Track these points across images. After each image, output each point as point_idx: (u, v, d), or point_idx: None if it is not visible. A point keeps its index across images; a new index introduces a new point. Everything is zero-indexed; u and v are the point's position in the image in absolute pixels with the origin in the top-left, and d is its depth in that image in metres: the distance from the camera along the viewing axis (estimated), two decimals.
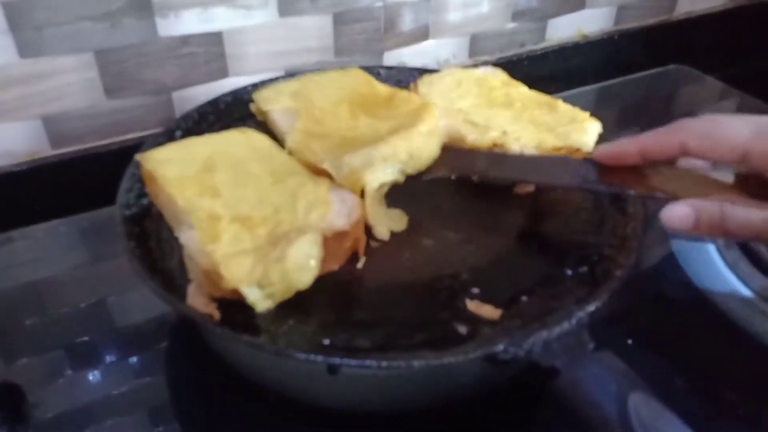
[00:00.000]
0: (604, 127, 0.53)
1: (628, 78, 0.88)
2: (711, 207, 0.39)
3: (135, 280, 0.53)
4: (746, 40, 0.98)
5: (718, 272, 0.54)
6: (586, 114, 0.54)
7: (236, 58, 0.70)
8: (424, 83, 0.58)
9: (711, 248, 0.56)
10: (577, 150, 0.51)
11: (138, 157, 0.48)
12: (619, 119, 0.85)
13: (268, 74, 0.70)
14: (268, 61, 0.72)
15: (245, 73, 0.71)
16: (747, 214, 0.38)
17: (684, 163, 0.44)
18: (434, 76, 0.59)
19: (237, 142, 0.50)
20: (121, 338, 0.51)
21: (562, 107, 0.55)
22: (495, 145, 0.51)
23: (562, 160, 0.49)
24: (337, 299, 0.42)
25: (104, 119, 0.68)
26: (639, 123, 0.82)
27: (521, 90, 0.58)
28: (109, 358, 0.49)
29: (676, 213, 0.40)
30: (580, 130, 0.52)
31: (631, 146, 0.44)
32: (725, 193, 0.41)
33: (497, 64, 0.85)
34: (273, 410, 0.45)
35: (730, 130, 0.40)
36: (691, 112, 0.86)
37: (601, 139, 0.52)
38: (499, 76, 0.61)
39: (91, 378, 0.48)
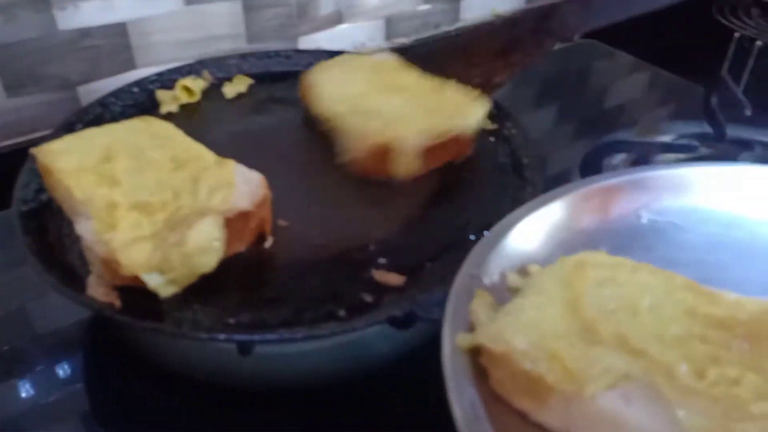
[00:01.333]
0: (523, 101, 0.55)
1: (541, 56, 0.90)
2: None
3: (41, 288, 0.52)
4: (651, 13, 1.01)
5: None
6: (474, 94, 0.55)
7: (143, 48, 0.69)
8: (317, 71, 0.58)
9: None
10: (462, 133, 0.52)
11: (33, 150, 0.47)
12: (535, 94, 0.87)
13: (177, 63, 0.69)
14: (178, 50, 0.71)
15: (154, 64, 0.70)
16: None
17: None
18: (329, 62, 0.59)
19: (138, 130, 0.49)
20: (42, 345, 0.48)
21: (451, 90, 0.56)
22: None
23: None
24: (244, 280, 0.42)
25: (6, 118, 0.65)
26: (555, 97, 0.85)
27: (413, 75, 0.58)
28: (31, 367, 0.47)
29: None
30: (465, 112, 0.53)
31: None
32: None
33: (414, 46, 0.86)
34: (193, 397, 0.45)
35: None
36: (605, 85, 0.89)
37: (506, 114, 0.54)
38: (394, 61, 0.61)
39: (14, 389, 0.45)
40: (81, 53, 0.66)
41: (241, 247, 0.44)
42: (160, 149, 0.47)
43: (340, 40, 0.81)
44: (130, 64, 0.69)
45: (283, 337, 0.36)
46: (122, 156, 0.46)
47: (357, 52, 0.61)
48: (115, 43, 0.67)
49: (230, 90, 0.63)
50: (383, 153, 0.50)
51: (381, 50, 0.67)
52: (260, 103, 0.62)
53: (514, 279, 0.36)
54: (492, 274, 0.36)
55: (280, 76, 0.65)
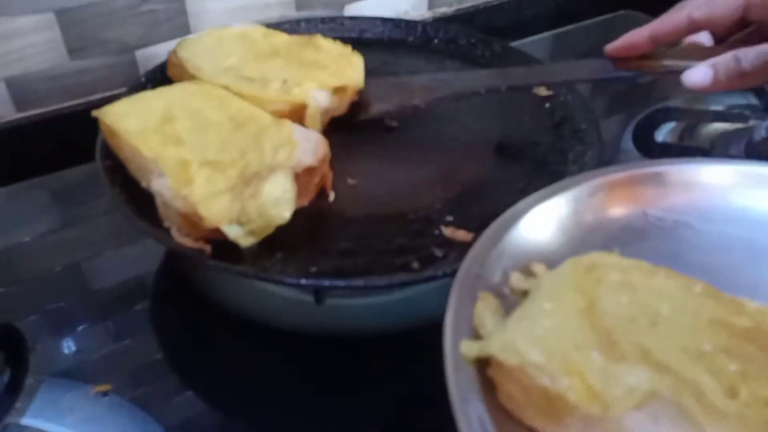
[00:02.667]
0: None
1: (580, 25, 0.90)
2: (724, 57, 0.43)
3: (110, 241, 0.55)
4: None
5: None
6: (348, 48, 0.58)
7: (197, 14, 0.70)
8: (183, 48, 0.57)
9: None
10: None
11: (96, 113, 0.49)
12: None
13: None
14: (230, 16, 0.72)
15: (208, 29, 0.71)
16: (758, 48, 0.42)
17: (688, 41, 0.49)
18: (191, 39, 0.59)
19: (192, 93, 0.51)
20: (98, 301, 0.51)
21: (324, 43, 0.58)
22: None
23: (581, 62, 0.53)
24: (317, 232, 0.45)
25: (68, 80, 0.67)
26: None
27: (282, 37, 0.60)
28: (88, 322, 0.50)
29: (696, 73, 0.44)
30: (351, 66, 0.56)
31: (642, 33, 0.48)
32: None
33: (455, 15, 0.87)
34: (259, 343, 0.47)
35: None
36: None
37: None
38: (259, 29, 0.61)
39: (72, 342, 0.48)
40: (139, 18, 0.68)
41: (304, 201, 0.46)
42: (217, 110, 0.49)
43: (383, 8, 0.83)
44: (185, 30, 0.71)
45: (368, 285, 0.39)
46: (182, 117, 0.48)
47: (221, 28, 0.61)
48: (171, 8, 0.69)
49: None
50: (299, 113, 0.51)
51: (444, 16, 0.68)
52: None
53: (518, 279, 0.34)
54: (494, 272, 0.34)
55: None
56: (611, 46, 0.50)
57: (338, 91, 0.53)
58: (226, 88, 0.52)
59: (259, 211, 0.41)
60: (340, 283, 0.39)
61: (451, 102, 0.54)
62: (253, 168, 0.44)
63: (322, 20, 0.68)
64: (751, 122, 0.58)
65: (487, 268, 0.34)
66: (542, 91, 0.59)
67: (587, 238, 0.37)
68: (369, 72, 0.64)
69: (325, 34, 0.66)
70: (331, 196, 0.47)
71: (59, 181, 0.63)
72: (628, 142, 0.59)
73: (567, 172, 0.49)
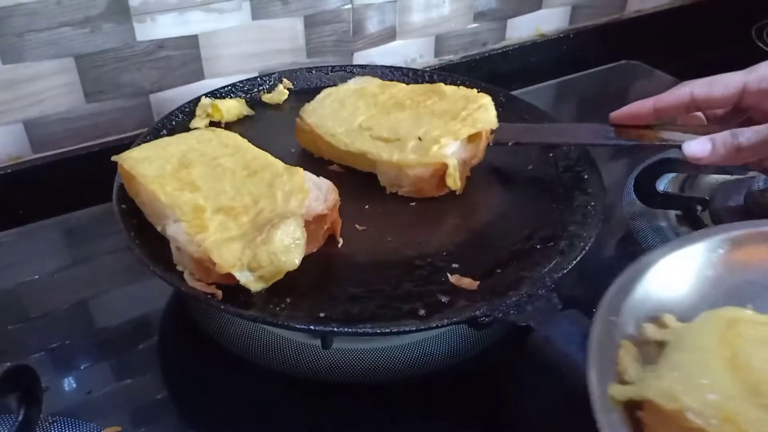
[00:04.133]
0: (567, 119, 0.58)
1: (584, 74, 0.93)
2: (722, 133, 0.46)
3: (118, 280, 0.56)
4: (691, 35, 1.04)
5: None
6: (473, 90, 0.58)
7: (211, 60, 0.73)
8: (308, 114, 0.58)
9: (664, 224, 0.61)
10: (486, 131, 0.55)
11: (115, 158, 0.50)
12: (576, 113, 0.90)
13: (242, 75, 0.73)
14: (243, 62, 0.74)
15: (220, 75, 0.74)
16: (755, 128, 0.45)
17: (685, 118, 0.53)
18: (313, 103, 0.59)
19: (208, 140, 0.53)
20: (105, 339, 0.52)
21: (448, 90, 0.59)
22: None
23: (584, 126, 0.58)
24: (326, 278, 0.46)
25: (84, 122, 0.69)
26: (595, 116, 0.87)
27: (401, 88, 0.61)
28: (95, 360, 0.50)
29: (695, 144, 0.47)
30: (483, 109, 0.56)
31: (646, 104, 0.52)
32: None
33: (461, 63, 0.90)
34: (264, 385, 0.48)
35: (729, 75, 0.50)
36: None
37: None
38: (374, 82, 0.62)
39: (79, 380, 0.48)
40: (155, 63, 0.70)
41: (314, 247, 0.47)
42: (231, 157, 0.51)
43: (392, 56, 0.85)
44: (198, 75, 0.73)
45: (375, 331, 0.39)
46: (197, 163, 0.50)
47: (334, 86, 0.63)
48: (187, 54, 0.71)
49: (271, 99, 0.67)
50: (440, 173, 0.52)
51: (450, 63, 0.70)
52: None
53: (652, 330, 0.36)
54: (628, 321, 0.36)
55: None
56: (616, 114, 0.53)
57: (474, 138, 0.54)
58: (363, 154, 0.54)
59: (270, 258, 0.42)
60: (348, 329, 0.40)
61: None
62: (266, 215, 0.45)
63: (332, 68, 0.70)
64: (750, 173, 0.60)
65: (622, 316, 0.35)
66: None
67: (712, 293, 0.39)
68: None
69: (334, 82, 0.69)
70: (340, 243, 0.48)
71: (71, 220, 0.64)
72: (630, 192, 0.61)
73: (571, 222, 0.50)
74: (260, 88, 0.67)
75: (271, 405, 0.47)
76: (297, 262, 0.43)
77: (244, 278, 0.42)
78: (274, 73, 0.69)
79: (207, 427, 0.46)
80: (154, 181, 0.47)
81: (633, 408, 0.31)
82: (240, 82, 0.67)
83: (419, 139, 0.53)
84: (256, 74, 0.75)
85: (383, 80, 0.63)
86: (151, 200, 0.47)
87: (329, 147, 0.56)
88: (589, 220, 0.50)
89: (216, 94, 0.64)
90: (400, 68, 0.71)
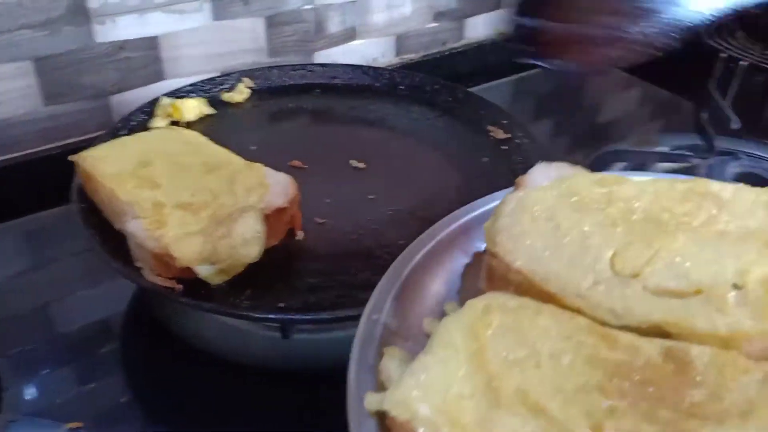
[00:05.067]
0: (522, 116, 0.59)
1: (539, 71, 0.95)
2: None
3: (79, 282, 0.56)
4: None
5: None
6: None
7: (172, 61, 0.73)
8: (497, 242, 0.37)
9: None
10: None
11: (73, 157, 0.51)
12: (534, 109, 0.93)
13: (204, 75, 0.73)
14: (204, 63, 0.75)
15: (181, 76, 0.74)
16: None
17: None
18: (497, 219, 0.39)
19: (168, 138, 0.54)
20: (67, 343, 0.52)
21: (723, 190, 0.39)
22: None
23: None
24: (286, 270, 0.47)
25: (44, 125, 0.69)
26: (553, 111, 0.90)
27: (628, 186, 0.40)
28: (57, 362, 0.50)
29: None
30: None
31: None
32: None
33: (422, 61, 0.91)
34: (229, 379, 0.48)
35: None
36: (600, 100, 0.95)
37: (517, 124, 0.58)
38: (570, 172, 0.43)
39: (41, 383, 0.48)
40: (116, 65, 0.70)
41: (275, 241, 0.48)
42: (192, 155, 0.51)
43: (353, 55, 0.86)
44: (160, 76, 0.73)
45: (333, 318, 0.41)
46: (158, 161, 0.50)
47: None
48: (147, 55, 0.71)
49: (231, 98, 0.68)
50: None
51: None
52: (274, 114, 0.67)
53: (431, 325, 0.34)
54: (402, 318, 0.34)
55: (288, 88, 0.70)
56: None
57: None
58: (656, 327, 0.32)
59: (230, 251, 0.43)
60: (307, 317, 0.41)
61: None
62: (226, 210, 0.46)
63: (293, 67, 0.71)
64: (694, 161, 0.63)
65: (394, 314, 0.34)
66: (500, 134, 0.62)
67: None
68: (337, 117, 0.67)
69: (295, 81, 0.70)
70: (300, 235, 0.50)
71: (32, 223, 0.64)
72: None
73: None
74: (221, 87, 0.68)
75: (237, 398, 0.47)
76: (257, 254, 0.44)
77: (204, 272, 0.43)
78: (235, 72, 0.70)
79: (173, 423, 0.47)
80: (113, 179, 0.47)
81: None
82: (200, 81, 0.68)
83: (735, 286, 0.33)
84: (217, 74, 0.75)
85: (598, 173, 0.41)
86: (110, 198, 0.47)
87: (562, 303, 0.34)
88: None
89: (176, 94, 0.65)
90: (361, 66, 0.73)
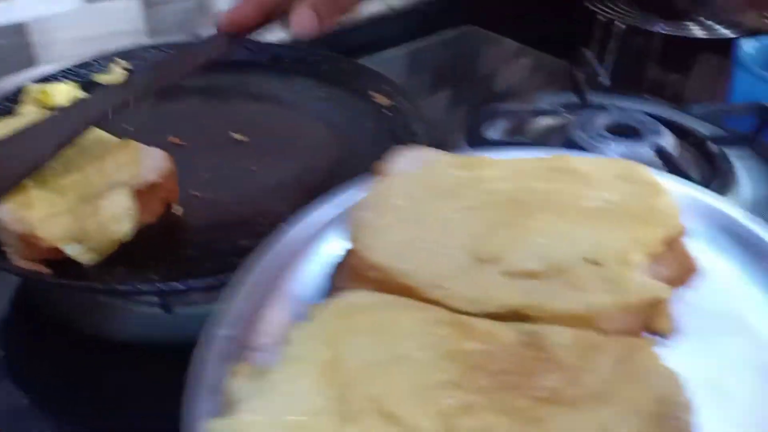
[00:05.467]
0: (417, 86, 0.60)
1: (428, 42, 0.98)
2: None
3: None
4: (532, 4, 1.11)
5: None
6: (628, 163, 0.39)
7: (45, 46, 0.71)
8: (363, 242, 0.35)
9: None
10: None
11: None
12: (427, 80, 0.95)
13: (79, 60, 0.70)
14: (79, 47, 0.72)
15: (55, 61, 0.71)
16: None
17: None
18: (360, 218, 0.38)
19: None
20: None
21: (583, 164, 0.39)
22: None
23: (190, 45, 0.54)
24: (162, 245, 0.47)
25: None
26: (445, 80, 0.92)
27: (491, 166, 0.39)
28: None
29: (298, 18, 0.45)
30: (657, 193, 0.37)
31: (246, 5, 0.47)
32: None
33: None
34: (115, 358, 0.47)
35: None
36: (484, 64, 0.98)
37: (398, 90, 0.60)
38: (434, 156, 0.42)
39: None
40: None
41: (152, 217, 0.48)
42: None
43: None
44: (30, 62, 0.71)
45: (208, 285, 0.41)
46: None
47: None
48: (16, 42, 0.68)
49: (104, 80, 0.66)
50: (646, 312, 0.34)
51: None
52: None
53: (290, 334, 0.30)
54: (268, 326, 0.32)
55: None
56: (223, 21, 0.48)
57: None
58: (513, 312, 0.31)
59: (99, 229, 0.43)
60: (179, 286, 0.41)
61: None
62: (94, 188, 0.45)
63: (170, 46, 0.70)
64: (566, 116, 0.66)
65: (247, 325, 0.32)
66: (382, 100, 0.63)
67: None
68: (218, 92, 0.67)
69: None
70: (178, 211, 0.49)
71: None
72: (461, 140, 0.65)
73: None
74: (94, 70, 0.66)
75: (132, 379, 0.47)
76: (128, 231, 0.44)
77: (73, 251, 0.42)
78: (109, 55, 0.67)
79: (77, 415, 0.45)
80: None
81: None
82: (72, 66, 0.65)
83: (593, 262, 0.33)
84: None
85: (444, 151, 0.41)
86: None
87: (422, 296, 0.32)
88: None
89: (46, 79, 0.62)
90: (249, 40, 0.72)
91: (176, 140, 0.57)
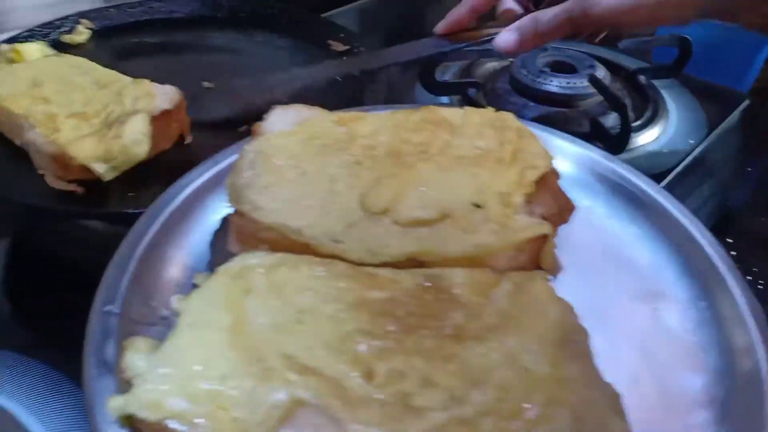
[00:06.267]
0: (373, 42, 0.64)
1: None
2: (525, 20, 0.51)
3: None
4: None
5: None
6: (490, 110, 0.43)
7: (5, 13, 0.72)
8: (241, 200, 0.36)
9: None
10: None
11: None
12: (378, 38, 0.98)
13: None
14: (40, 12, 0.73)
15: (17, 28, 0.72)
16: (553, 10, 0.51)
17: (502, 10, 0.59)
18: (236, 179, 0.40)
19: (57, 63, 0.58)
20: None
21: (449, 115, 0.42)
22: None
23: (421, 42, 0.61)
24: (177, 168, 0.49)
25: None
26: (400, 37, 0.96)
27: (367, 122, 0.41)
28: None
29: (503, 38, 0.52)
30: (524, 139, 0.41)
31: (462, 9, 0.57)
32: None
33: None
34: None
35: None
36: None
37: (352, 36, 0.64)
38: (312, 113, 0.44)
39: None
40: None
41: (167, 144, 0.53)
42: (81, 76, 0.56)
43: None
44: None
45: None
46: (49, 82, 0.54)
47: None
48: None
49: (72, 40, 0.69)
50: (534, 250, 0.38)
51: None
52: (118, 51, 0.69)
53: (181, 303, 0.30)
54: (150, 300, 0.31)
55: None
56: (440, 27, 0.59)
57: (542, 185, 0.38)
58: (412, 258, 0.33)
59: (122, 149, 0.48)
60: None
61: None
62: (115, 116, 0.50)
63: (131, 5, 0.72)
64: (512, 60, 0.72)
65: (132, 301, 0.31)
66: (339, 47, 0.68)
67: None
68: (181, 47, 0.69)
69: (135, 18, 0.71)
70: (189, 139, 0.54)
71: None
72: (416, 83, 0.70)
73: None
74: (59, 30, 0.68)
75: None
76: (146, 152, 0.49)
77: (100, 168, 0.47)
78: (73, 15, 0.69)
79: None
80: (7, 99, 0.51)
81: None
82: (37, 26, 0.67)
83: (476, 206, 0.35)
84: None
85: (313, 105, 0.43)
86: (7, 116, 0.51)
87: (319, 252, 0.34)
88: (381, 103, 0.58)
89: (14, 40, 0.64)
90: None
91: None
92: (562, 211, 0.37)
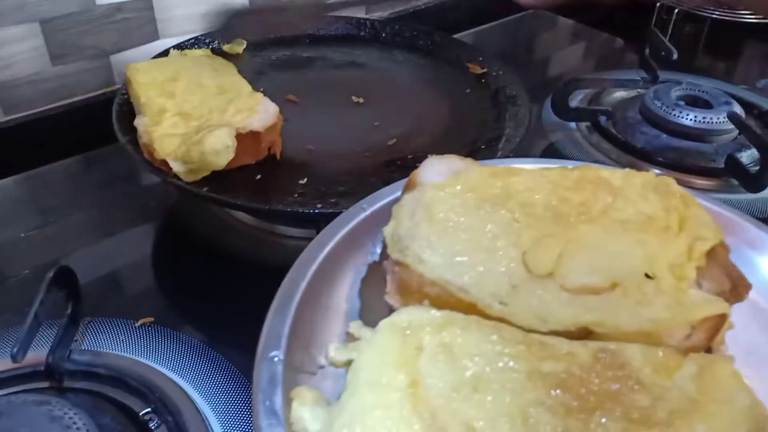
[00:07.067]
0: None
1: (496, 24, 1.04)
2: None
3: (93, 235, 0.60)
4: None
5: (586, 150, 0.71)
6: (651, 173, 0.40)
7: (165, 21, 0.79)
8: (399, 250, 0.35)
9: (579, 135, 0.73)
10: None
11: (125, 67, 0.62)
12: (503, 52, 1.01)
13: (195, 34, 0.78)
14: (197, 22, 0.80)
15: (175, 35, 0.80)
16: None
17: None
18: (394, 228, 0.37)
19: (202, 62, 0.64)
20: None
21: (609, 175, 0.39)
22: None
23: None
24: (251, 181, 0.55)
25: (51, 84, 0.74)
26: (511, 61, 0.99)
27: (521, 176, 0.39)
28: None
29: None
30: (689, 205, 0.38)
31: None
32: None
33: (389, 19, 0.99)
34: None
35: None
36: (552, 49, 1.04)
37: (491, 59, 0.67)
38: (462, 164, 0.42)
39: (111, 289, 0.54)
40: (114, 26, 0.75)
41: (250, 159, 0.56)
42: (212, 78, 0.61)
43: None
44: (154, 36, 0.79)
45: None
46: (184, 78, 0.60)
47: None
48: (142, 16, 0.77)
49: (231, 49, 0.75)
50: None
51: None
52: (273, 61, 0.75)
53: (338, 351, 0.30)
54: (308, 349, 0.31)
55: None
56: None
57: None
58: (579, 330, 0.31)
59: (200, 156, 0.51)
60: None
61: None
62: (211, 123, 0.54)
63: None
64: (642, 90, 0.73)
65: (293, 349, 0.30)
66: (477, 69, 0.71)
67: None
68: (330, 61, 0.74)
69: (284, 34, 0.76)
70: (278, 157, 0.57)
71: (39, 177, 0.68)
72: (548, 108, 0.72)
73: (506, 127, 0.61)
74: (220, 40, 0.74)
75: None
76: (223, 164, 0.52)
77: (176, 167, 0.51)
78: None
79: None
80: (142, 86, 0.58)
81: None
82: (201, 35, 0.73)
83: (648, 276, 0.33)
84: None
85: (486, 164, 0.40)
86: (136, 99, 0.58)
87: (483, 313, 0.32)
88: (519, 124, 0.61)
89: (181, 46, 0.71)
90: (344, 17, 0.80)
91: (292, 98, 0.66)
92: (737, 287, 0.34)
